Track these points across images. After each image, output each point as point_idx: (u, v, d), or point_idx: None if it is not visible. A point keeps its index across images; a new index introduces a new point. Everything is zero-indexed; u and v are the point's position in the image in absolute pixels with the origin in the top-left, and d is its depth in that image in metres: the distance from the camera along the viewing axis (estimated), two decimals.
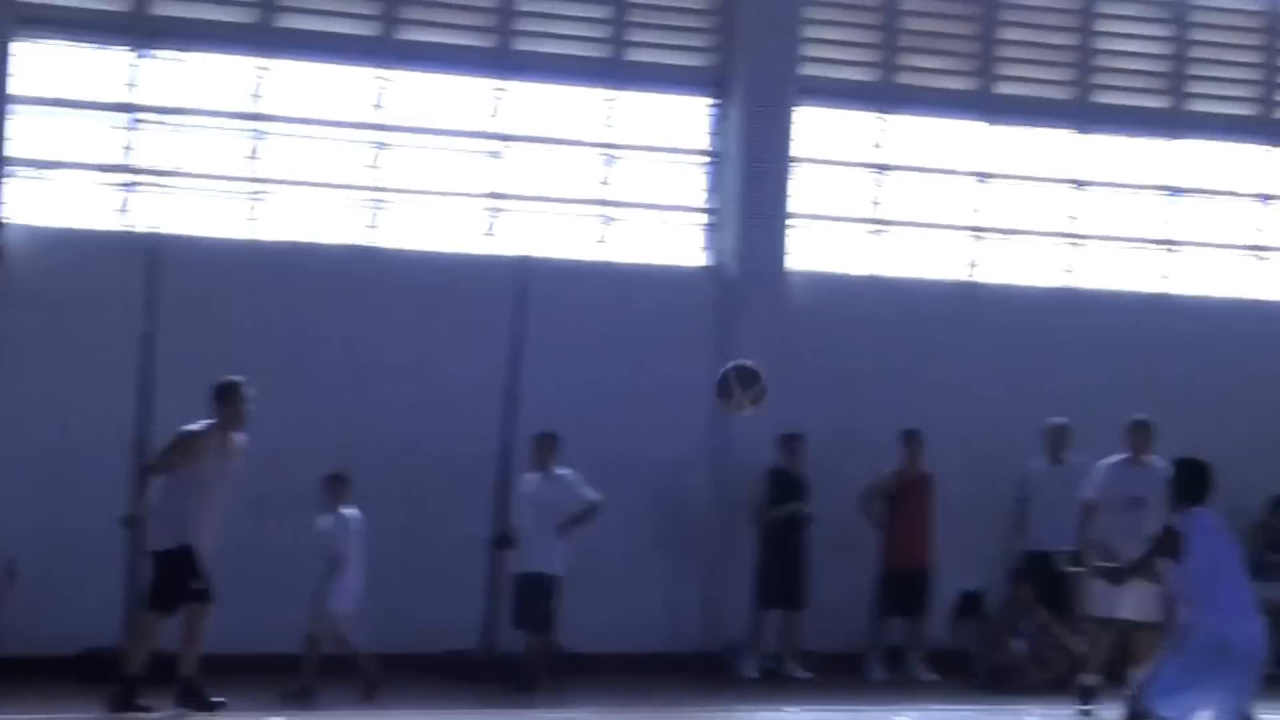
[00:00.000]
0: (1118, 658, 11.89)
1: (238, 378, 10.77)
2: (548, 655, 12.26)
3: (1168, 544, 7.96)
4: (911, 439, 13.65)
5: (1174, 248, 15.60)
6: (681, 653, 13.43)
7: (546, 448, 12.29)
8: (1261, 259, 15.87)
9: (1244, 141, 15.73)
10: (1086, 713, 11.68)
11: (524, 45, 13.73)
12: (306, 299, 12.69)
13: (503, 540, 12.40)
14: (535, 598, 12.11)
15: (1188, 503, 7.99)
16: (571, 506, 12.15)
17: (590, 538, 12.43)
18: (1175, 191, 15.55)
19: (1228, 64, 15.65)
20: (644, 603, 13.45)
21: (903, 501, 13.62)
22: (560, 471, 12.20)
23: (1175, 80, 15.52)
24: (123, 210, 12.69)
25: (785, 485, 13.45)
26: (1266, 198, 15.85)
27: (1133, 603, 11.53)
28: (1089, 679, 11.85)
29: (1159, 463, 11.22)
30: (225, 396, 10.72)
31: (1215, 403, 14.58)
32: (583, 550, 12.34)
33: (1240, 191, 15.74)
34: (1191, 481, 8.06)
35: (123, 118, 12.72)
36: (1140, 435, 12.01)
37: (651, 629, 13.45)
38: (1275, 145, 15.77)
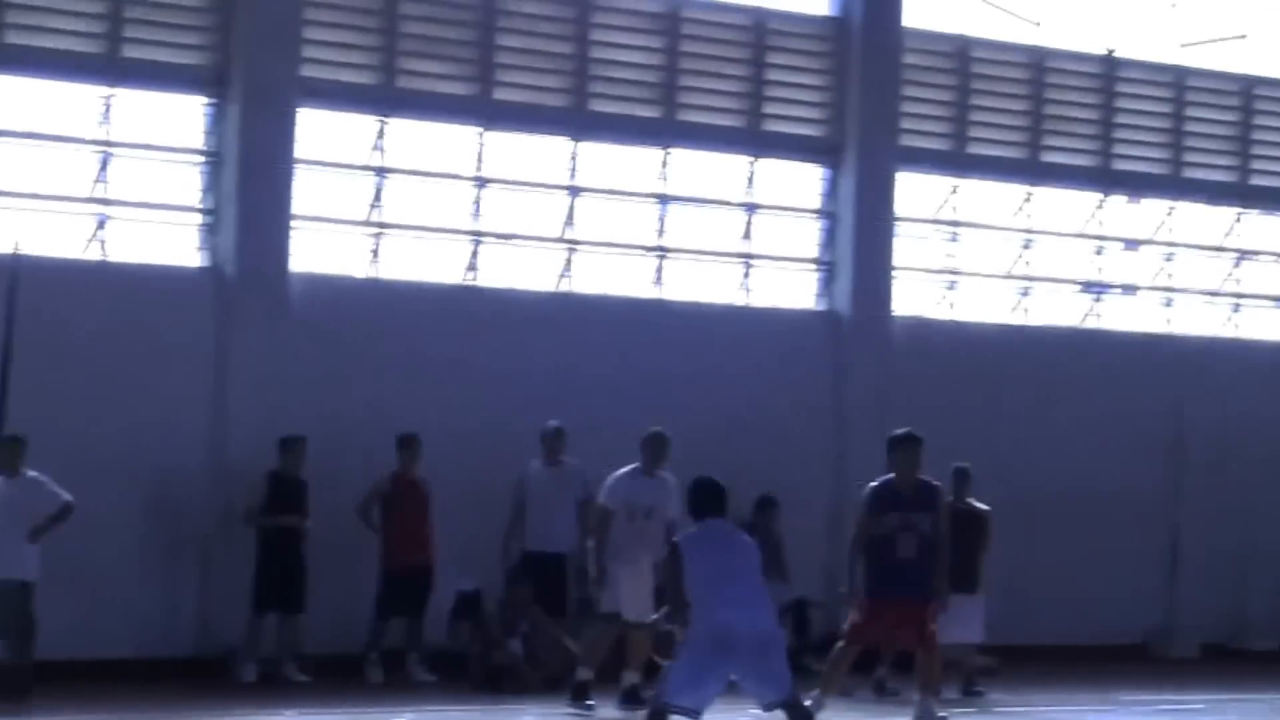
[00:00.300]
0: (613, 657, 13.81)
1: None
2: (31, 663, 13.20)
3: (670, 561, 9.96)
4: (409, 442, 15.33)
5: (665, 254, 18.03)
6: (177, 658, 14.96)
7: (11, 451, 13.23)
8: (750, 266, 18.68)
9: (733, 152, 18.56)
10: (580, 710, 13.52)
11: (15, 39, 14.76)
12: None
13: None
14: (9, 605, 13.07)
15: (699, 516, 9.98)
16: (44, 509, 13.13)
17: (80, 542, 13.60)
18: (666, 199, 18.11)
19: (718, 75, 18.43)
20: (138, 608, 14.87)
21: (400, 504, 15.38)
22: (30, 474, 13.20)
23: (667, 90, 18.06)
24: None
25: (283, 488, 15.00)
26: (754, 207, 18.65)
27: (630, 602, 13.49)
28: (583, 674, 13.67)
29: (669, 476, 13.34)
30: None
31: (705, 405, 17.15)
32: (71, 555, 13.48)
33: (730, 201, 18.59)
34: (701, 498, 10.24)
35: None
36: (655, 447, 14.01)
37: (145, 634, 15.07)
38: (763, 156, 18.63)
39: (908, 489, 13.77)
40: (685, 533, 10.22)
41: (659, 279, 18.20)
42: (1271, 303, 22.79)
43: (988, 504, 16.41)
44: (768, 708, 10.21)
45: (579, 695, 13.45)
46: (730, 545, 10.25)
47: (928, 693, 13.74)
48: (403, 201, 16.79)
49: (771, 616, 10.17)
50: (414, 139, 16.85)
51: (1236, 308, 22.50)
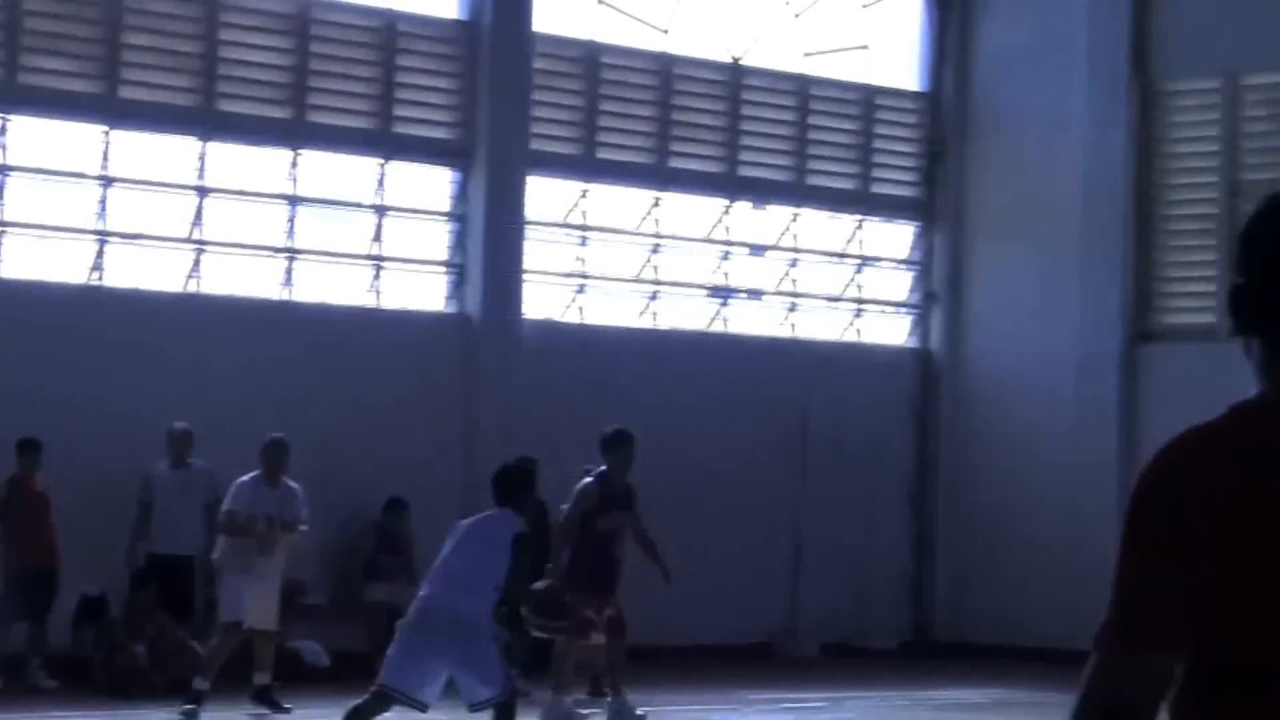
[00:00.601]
0: (239, 662, 15.43)
1: None
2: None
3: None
4: (27, 447, 16.72)
5: (295, 255, 20.12)
6: None
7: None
8: (380, 269, 20.74)
9: (363, 154, 20.63)
10: (190, 714, 15.04)
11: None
12: None
13: None
14: None
15: (497, 504, 12.38)
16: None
17: None
18: (296, 201, 19.98)
19: (347, 77, 20.44)
20: None
21: (19, 508, 16.76)
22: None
23: (297, 91, 19.98)
24: None
25: None
26: (384, 210, 20.75)
27: (256, 610, 15.20)
28: (200, 684, 15.18)
29: (293, 484, 15.18)
30: None
31: (334, 407, 19.26)
32: None
33: (360, 203, 20.67)
34: (493, 484, 12.54)
35: None
36: (274, 455, 15.72)
37: None
38: (393, 158, 20.67)
39: (621, 488, 15.93)
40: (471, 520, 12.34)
41: (288, 280, 19.91)
42: (891, 308, 25.86)
43: None
44: (475, 707, 11.77)
45: (192, 703, 15.00)
46: (475, 530, 12.02)
47: (620, 689, 15.84)
48: (24, 200, 18.09)
49: (477, 602, 11.65)
50: (37, 136, 18.16)
51: (858, 313, 25.37)
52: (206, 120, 19.03)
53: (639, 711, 16.14)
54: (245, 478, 15.49)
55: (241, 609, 15.11)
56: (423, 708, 11.57)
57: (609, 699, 17.53)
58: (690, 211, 23.59)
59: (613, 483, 16.24)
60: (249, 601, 15.20)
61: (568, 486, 17.50)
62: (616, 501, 16.32)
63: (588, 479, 16.22)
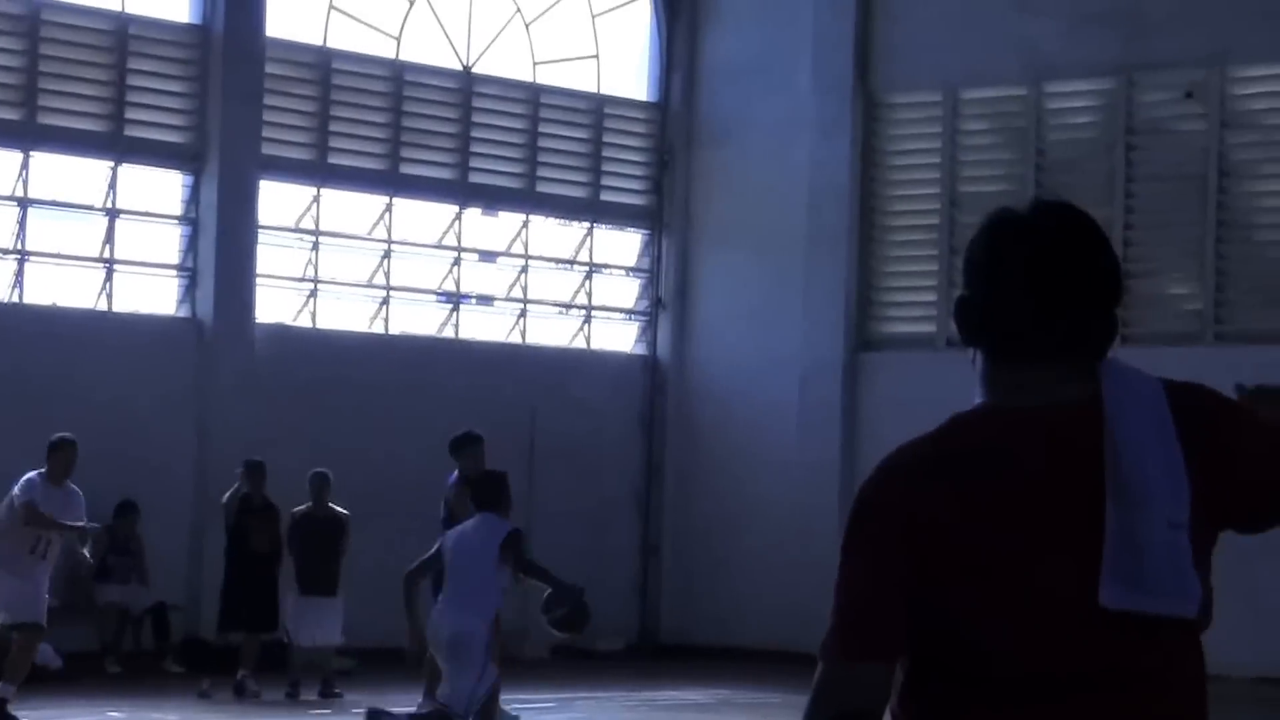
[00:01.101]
0: None
1: None
2: None
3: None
4: None
5: (26, 258, 22.21)
6: None
7: None
8: (112, 272, 22.83)
9: (95, 157, 22.84)
10: None
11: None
12: None
13: None
14: None
15: (479, 509, 14.73)
16: None
17: None
18: (26, 203, 22.16)
19: (79, 80, 22.56)
20: None
21: None
22: None
23: (27, 93, 22.00)
24: None
25: None
26: (117, 213, 22.87)
27: (7, 604, 17.03)
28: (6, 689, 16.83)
29: (74, 485, 17.41)
30: None
31: (66, 410, 20.71)
32: None
33: (92, 206, 22.80)
34: (474, 491, 15.14)
35: None
36: (66, 455, 17.65)
37: None
38: (125, 161, 22.86)
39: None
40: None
41: (18, 283, 21.88)
42: (620, 315, 28.31)
43: (347, 508, 20.58)
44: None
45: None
46: (469, 541, 14.43)
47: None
48: None
49: (473, 616, 13.99)
50: None
51: (587, 319, 27.71)
52: None
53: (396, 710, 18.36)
54: (34, 474, 17.08)
55: (9, 606, 16.87)
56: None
57: (333, 694, 20.09)
58: (422, 217, 25.85)
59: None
60: (12, 599, 17.00)
61: (300, 486, 19.94)
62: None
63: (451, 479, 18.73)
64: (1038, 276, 3.88)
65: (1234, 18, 25.47)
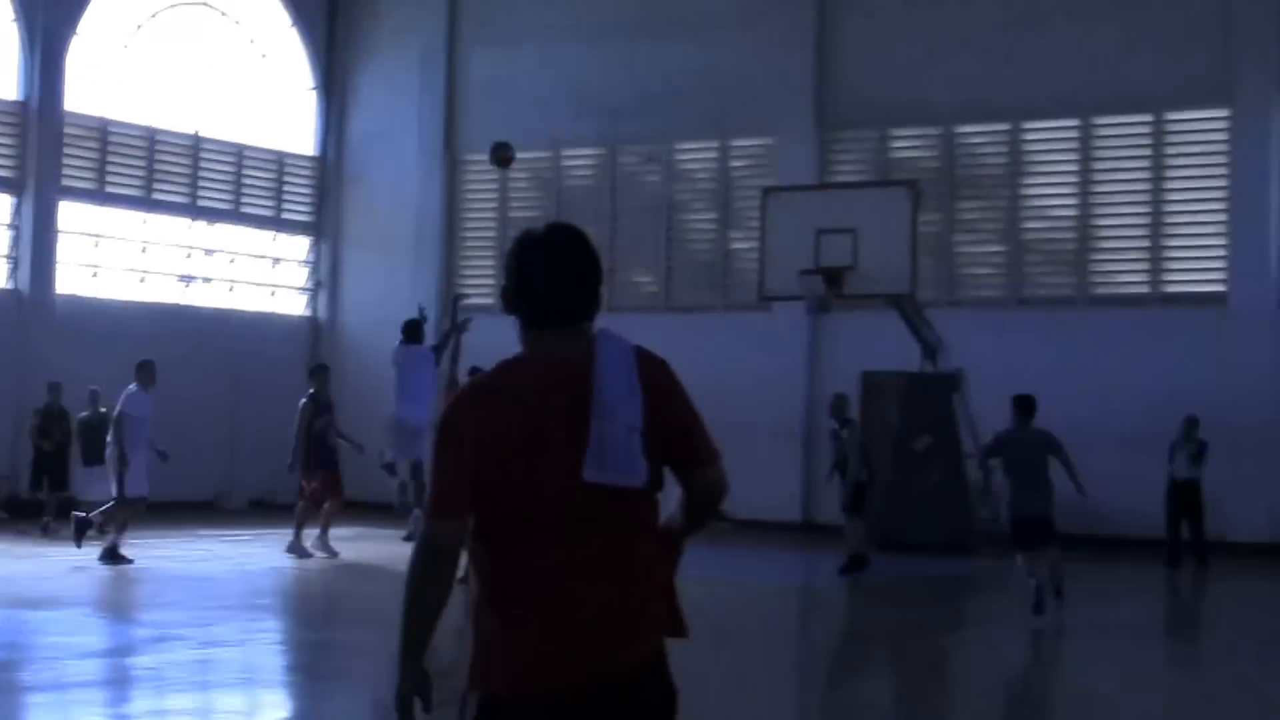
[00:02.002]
0: None
1: None
2: None
3: None
4: None
5: None
6: None
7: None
8: None
9: None
10: None
11: None
12: None
13: None
14: None
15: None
16: None
17: None
18: None
19: None
20: None
21: None
22: None
23: None
24: None
25: None
26: None
27: None
28: None
29: None
30: None
31: None
32: None
33: None
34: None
35: None
36: None
37: None
38: None
39: (325, 400, 19.89)
40: None
41: None
42: (296, 290, 31.04)
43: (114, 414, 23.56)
44: None
45: None
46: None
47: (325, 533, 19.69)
48: None
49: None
50: None
51: (274, 293, 30.57)
52: None
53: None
54: None
55: None
56: None
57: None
58: (169, 227, 28.28)
59: (319, 397, 20.16)
60: None
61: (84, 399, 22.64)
62: (324, 408, 20.22)
63: (305, 399, 20.18)
64: (548, 272, 4.31)
65: (677, 110, 27.98)
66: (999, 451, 15.96)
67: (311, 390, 20.50)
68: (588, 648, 4.18)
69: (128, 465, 18.78)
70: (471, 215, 30.69)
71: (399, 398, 19.53)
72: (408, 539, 20.20)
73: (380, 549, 21.20)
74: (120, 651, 12.59)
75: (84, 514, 19.41)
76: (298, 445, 20.31)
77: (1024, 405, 16.07)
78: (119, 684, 11.12)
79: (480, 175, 30.19)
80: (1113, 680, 12.34)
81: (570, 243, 4.40)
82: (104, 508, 19.50)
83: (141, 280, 28.56)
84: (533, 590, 4.21)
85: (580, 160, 29.78)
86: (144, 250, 28.65)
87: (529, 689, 4.17)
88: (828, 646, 15.68)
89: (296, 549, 19.99)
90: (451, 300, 19.31)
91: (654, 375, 4.34)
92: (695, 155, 28.77)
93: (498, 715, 4.20)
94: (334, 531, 20.73)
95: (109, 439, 19.50)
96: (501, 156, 17.54)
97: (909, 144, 27.33)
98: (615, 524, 4.26)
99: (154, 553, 20.39)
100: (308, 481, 20.32)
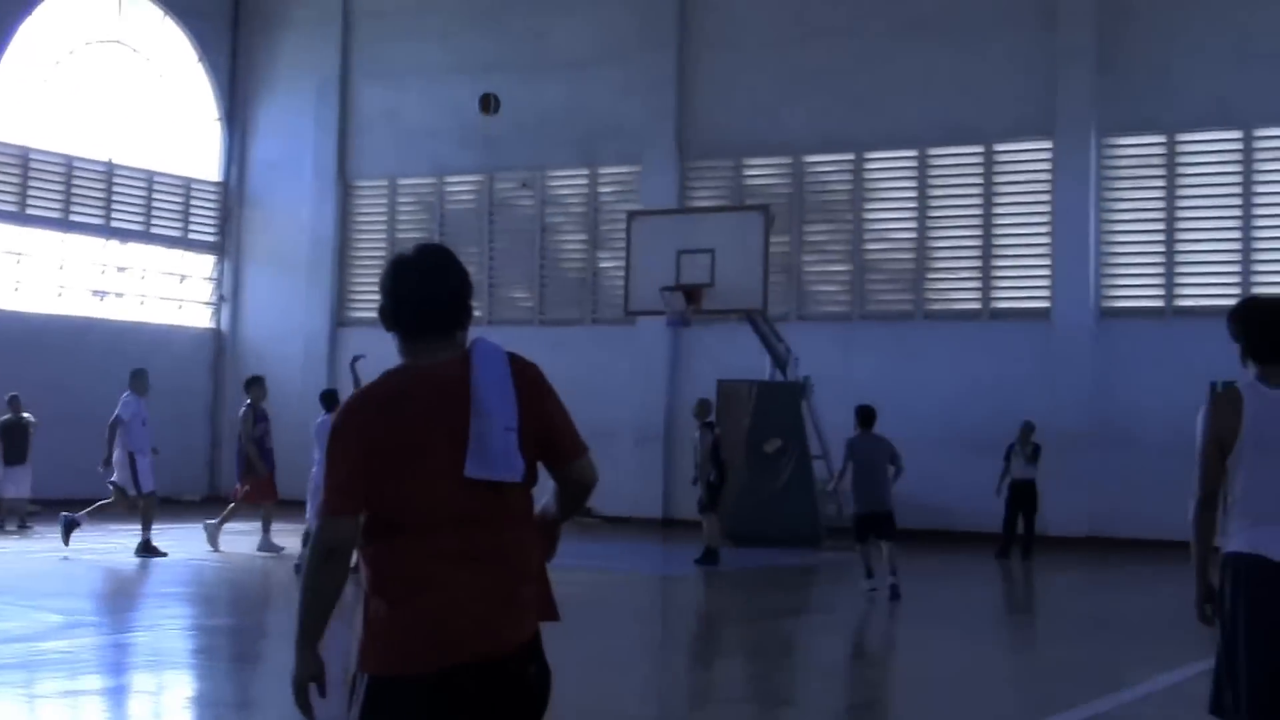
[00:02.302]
0: None
1: None
2: None
3: None
4: None
5: None
6: None
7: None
8: None
9: None
10: None
11: None
12: None
13: None
14: None
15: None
16: None
17: None
18: None
19: None
20: None
21: None
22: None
23: None
24: None
25: None
26: None
27: None
28: None
29: None
30: None
31: None
32: None
33: None
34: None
35: None
36: None
37: None
38: None
39: (261, 410, 19.68)
40: None
41: None
42: (202, 304, 30.83)
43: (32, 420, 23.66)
44: None
45: None
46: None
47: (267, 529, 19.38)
48: None
49: None
50: None
51: (181, 306, 30.34)
52: None
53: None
54: None
55: None
56: None
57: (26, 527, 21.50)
58: (85, 245, 28.21)
59: (256, 406, 19.84)
60: None
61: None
62: (261, 417, 19.91)
63: (244, 408, 19.96)
64: (421, 289, 4.30)
65: (549, 140, 28.38)
66: (849, 456, 16.88)
67: (249, 400, 20.31)
68: (468, 630, 4.16)
69: (110, 464, 18.78)
70: (362, 237, 30.74)
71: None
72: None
73: (292, 541, 20.92)
74: (33, 637, 12.36)
75: (71, 514, 19.26)
76: (241, 449, 20.21)
77: (866, 415, 17.13)
78: (32, 667, 10.91)
79: (370, 200, 30.65)
80: (948, 660, 12.47)
81: (439, 261, 4.39)
82: (91, 507, 19.41)
83: (59, 295, 28.42)
84: (417, 578, 4.18)
85: (461, 186, 29.80)
86: (61, 267, 28.57)
87: (414, 669, 4.16)
88: (684, 630, 15.73)
89: (267, 545, 19.72)
90: (350, 362, 18.95)
91: (526, 378, 4.35)
92: (566, 182, 28.90)
93: (385, 695, 4.17)
94: (232, 526, 20.65)
95: (115, 441, 19.23)
96: (486, 103, 19.60)
97: (762, 172, 27.63)
98: (493, 516, 4.25)
99: (68, 546, 19.94)
100: (243, 484, 20.20)
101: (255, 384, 20.35)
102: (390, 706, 4.18)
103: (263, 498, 20.02)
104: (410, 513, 4.20)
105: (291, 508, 20.78)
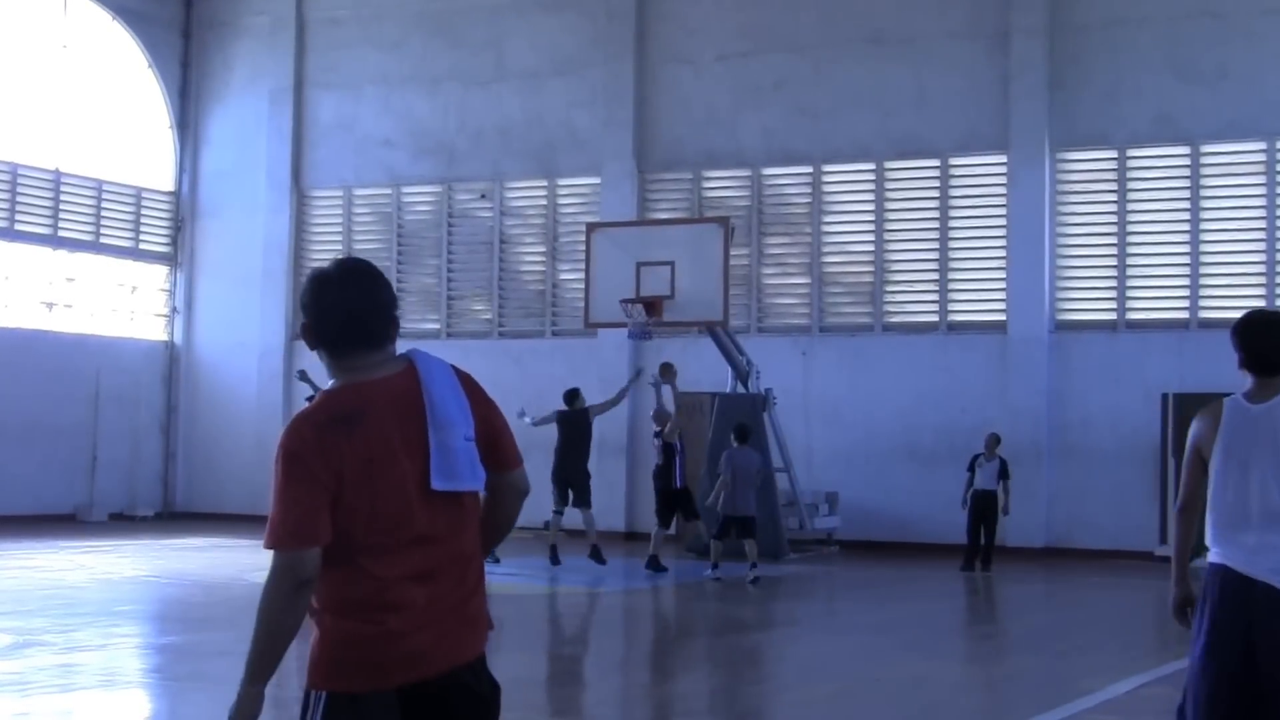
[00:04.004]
0: None
1: None
2: None
3: None
4: None
5: None
6: None
7: None
8: None
9: None
10: None
11: None
12: None
13: None
14: None
15: None
16: None
17: None
18: None
19: None
20: None
21: None
22: None
23: None
24: None
25: None
26: None
27: None
28: None
29: None
30: None
31: None
32: None
33: None
34: None
35: None
36: None
37: None
38: None
39: None
40: None
41: None
42: (155, 316, 30.77)
43: None
44: None
45: None
46: None
47: None
48: None
49: None
50: None
51: (132, 318, 30.36)
52: None
53: None
54: None
55: None
56: None
57: None
58: (42, 258, 28.27)
59: None
60: None
61: None
62: None
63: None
64: (348, 302, 4.26)
65: (508, 151, 28.56)
66: (726, 465, 19.72)
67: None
68: (430, 646, 4.16)
69: None
70: (317, 247, 30.68)
71: None
72: None
73: (236, 557, 21.28)
74: None
75: None
76: None
77: (742, 431, 20.02)
78: None
79: (326, 210, 30.65)
80: (908, 669, 12.58)
81: (364, 273, 4.36)
82: None
83: (4, 307, 28.32)
84: (377, 596, 4.15)
85: (419, 197, 29.78)
86: (7, 278, 28.43)
87: (375, 686, 4.14)
88: (646, 643, 15.76)
89: None
90: (298, 376, 18.83)
91: (472, 388, 4.37)
92: (525, 193, 28.90)
93: (343, 712, 4.14)
94: (185, 542, 20.60)
95: None
96: None
97: (721, 184, 27.74)
98: (450, 529, 4.26)
99: (17, 563, 20.09)
100: None
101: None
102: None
103: None
104: (374, 532, 4.16)
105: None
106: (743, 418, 23.08)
